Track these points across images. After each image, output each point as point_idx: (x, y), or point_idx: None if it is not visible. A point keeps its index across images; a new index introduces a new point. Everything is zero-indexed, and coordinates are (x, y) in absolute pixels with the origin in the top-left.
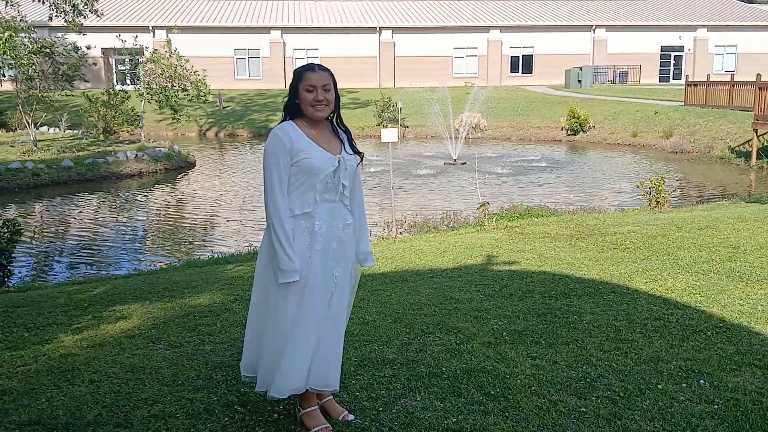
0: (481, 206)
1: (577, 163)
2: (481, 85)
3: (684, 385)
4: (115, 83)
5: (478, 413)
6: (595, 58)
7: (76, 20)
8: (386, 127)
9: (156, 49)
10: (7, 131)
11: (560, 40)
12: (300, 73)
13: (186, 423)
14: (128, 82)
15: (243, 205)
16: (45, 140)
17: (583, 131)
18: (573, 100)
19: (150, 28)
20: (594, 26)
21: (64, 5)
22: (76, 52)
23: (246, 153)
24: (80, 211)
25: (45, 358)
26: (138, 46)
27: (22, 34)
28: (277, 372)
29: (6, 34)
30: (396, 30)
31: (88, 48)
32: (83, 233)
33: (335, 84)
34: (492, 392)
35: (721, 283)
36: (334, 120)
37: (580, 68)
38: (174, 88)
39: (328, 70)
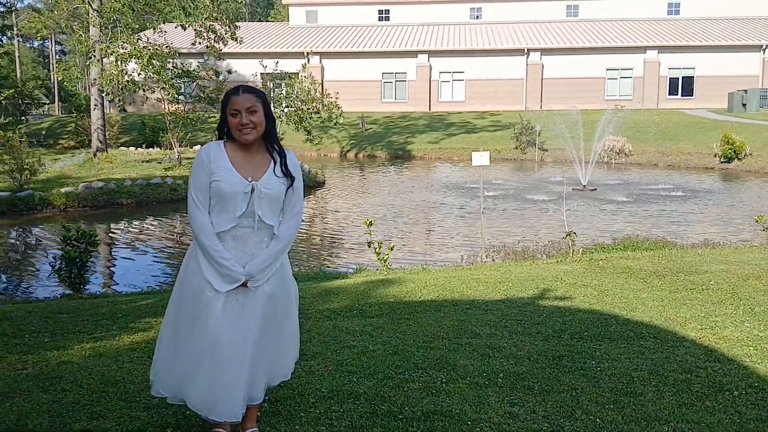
0: (566, 236)
1: (716, 192)
2: (635, 108)
3: None
4: (273, 108)
5: None
6: (764, 80)
7: (216, 46)
8: (524, 151)
9: (292, 75)
10: (161, 149)
11: (725, 61)
12: (227, 97)
13: None
14: (273, 106)
15: (352, 225)
16: (192, 158)
17: (738, 159)
18: (731, 124)
19: (305, 54)
20: (764, 46)
21: (204, 32)
22: (217, 77)
23: (378, 174)
24: None
25: (44, 364)
26: (280, 71)
27: (170, 60)
28: (170, 376)
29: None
30: (545, 51)
31: (230, 72)
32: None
33: (266, 105)
34: None
35: None
36: (268, 142)
37: (745, 91)
38: (308, 110)
39: (256, 92)
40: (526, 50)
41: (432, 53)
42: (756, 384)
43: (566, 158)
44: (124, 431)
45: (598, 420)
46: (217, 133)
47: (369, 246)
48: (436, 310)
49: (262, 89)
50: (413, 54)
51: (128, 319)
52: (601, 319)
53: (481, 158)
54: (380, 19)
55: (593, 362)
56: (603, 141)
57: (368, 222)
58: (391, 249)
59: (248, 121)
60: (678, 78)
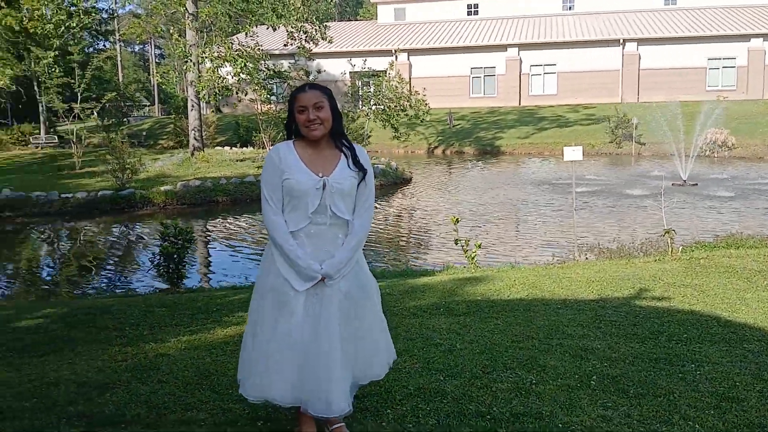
0: (665, 233)
1: None
2: (738, 99)
3: None
4: (361, 105)
5: None
6: None
7: (306, 46)
8: (619, 145)
9: (379, 73)
10: (254, 148)
11: None
12: (293, 95)
13: (204, 431)
14: (361, 104)
15: (437, 222)
16: None
17: None
18: None
19: (393, 51)
20: None
21: (295, 32)
22: (308, 76)
23: (465, 170)
24: None
25: (143, 356)
26: (368, 69)
27: (261, 62)
28: (252, 378)
29: (240, 60)
30: (642, 41)
31: (319, 72)
32: None
33: (332, 101)
34: None
35: None
36: (336, 138)
37: None
38: (395, 108)
39: (322, 88)
40: (621, 41)
41: (522, 46)
42: None
43: (665, 152)
44: (217, 423)
45: (696, 426)
46: (285, 132)
47: (456, 243)
48: (526, 310)
49: (350, 87)
50: (503, 48)
51: (222, 313)
52: (702, 321)
53: (573, 153)
54: (469, 13)
55: (692, 366)
56: (704, 134)
57: (455, 219)
58: (479, 246)
59: (315, 117)
60: None
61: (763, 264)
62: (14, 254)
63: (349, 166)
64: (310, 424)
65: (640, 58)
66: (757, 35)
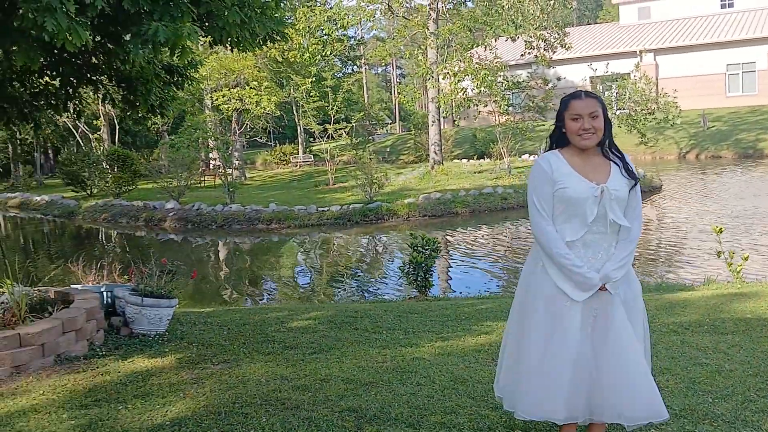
0: None
1: None
2: None
3: None
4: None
5: None
6: None
7: (545, 55)
8: None
9: (623, 76)
10: (491, 160)
11: None
12: (566, 102)
13: None
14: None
15: (693, 233)
16: (521, 167)
17: None
18: None
19: (637, 52)
20: None
21: (534, 42)
22: (546, 85)
23: (723, 176)
24: None
25: (400, 358)
26: (611, 73)
27: (500, 73)
28: (526, 396)
29: (482, 73)
30: None
31: (558, 80)
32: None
33: (605, 110)
34: None
35: None
36: (605, 146)
37: None
38: (642, 111)
39: (596, 96)
40: None
41: None
42: None
43: None
44: (475, 428)
45: None
46: (548, 140)
47: (719, 256)
48: None
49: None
50: (763, 40)
51: (471, 321)
52: None
53: None
54: (723, 6)
55: None
56: None
57: (718, 229)
58: (746, 259)
59: (590, 126)
60: None
61: None
62: (281, 262)
63: (622, 174)
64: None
65: None
66: None
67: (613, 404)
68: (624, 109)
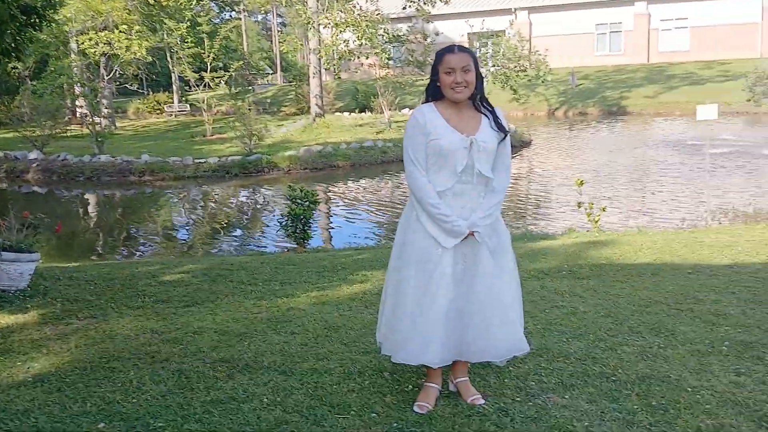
0: None
1: None
2: None
3: None
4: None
5: (620, 422)
6: None
7: (424, 8)
8: (758, 103)
9: (498, 34)
10: (372, 113)
11: None
12: (440, 56)
13: (335, 380)
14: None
15: (558, 186)
16: (401, 121)
17: None
18: None
19: (512, 10)
20: None
21: None
22: (425, 40)
23: (589, 132)
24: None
25: (275, 309)
26: (487, 30)
27: (381, 26)
28: (404, 344)
29: (364, 24)
30: None
31: (437, 35)
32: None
33: (477, 65)
34: (654, 403)
35: None
36: (477, 100)
37: None
38: (515, 69)
39: (469, 51)
40: None
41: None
42: None
43: None
44: (346, 372)
45: None
46: (425, 93)
47: (579, 207)
48: (654, 274)
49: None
50: (629, 2)
51: (347, 271)
52: None
53: (707, 111)
54: None
55: None
56: None
57: (579, 182)
58: (603, 210)
59: (462, 80)
60: None
61: None
62: (155, 215)
63: (491, 127)
64: (437, 377)
65: None
66: None
67: (480, 343)
68: (498, 66)
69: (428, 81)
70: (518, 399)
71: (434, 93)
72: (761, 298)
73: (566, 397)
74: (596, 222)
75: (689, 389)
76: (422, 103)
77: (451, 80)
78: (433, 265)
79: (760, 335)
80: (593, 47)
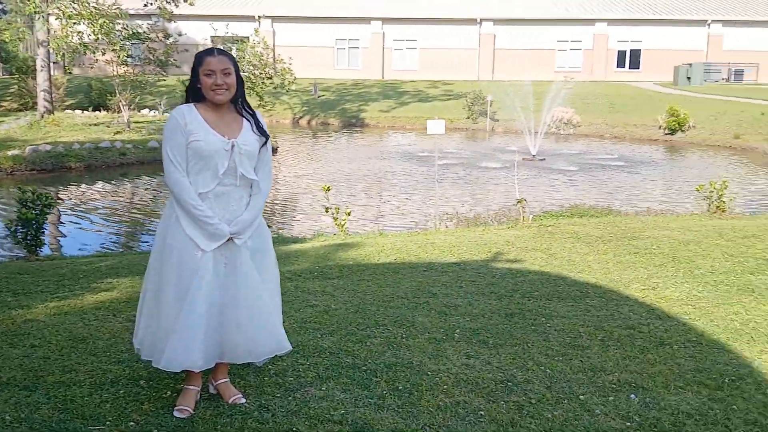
0: (517, 203)
1: (660, 163)
2: (584, 80)
3: (611, 398)
4: None
5: (372, 407)
6: (709, 55)
7: (166, 8)
8: (475, 120)
9: (243, 39)
10: (108, 112)
11: (671, 35)
12: (200, 57)
13: (84, 391)
14: None
15: (306, 192)
16: (141, 122)
17: (682, 131)
18: (676, 97)
19: (256, 17)
20: (709, 21)
21: None
22: (167, 39)
23: (331, 141)
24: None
25: (9, 322)
26: (232, 35)
27: (119, 21)
28: (166, 350)
29: (100, 20)
30: (497, 21)
31: (180, 35)
32: (137, 214)
33: (237, 68)
34: (400, 387)
35: (725, 296)
36: (239, 104)
37: (690, 65)
38: (260, 76)
39: (229, 55)
40: (478, 20)
41: (385, 20)
42: (693, 339)
43: (516, 128)
44: (97, 383)
45: (548, 370)
46: (185, 94)
47: (327, 211)
48: (394, 272)
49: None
50: (366, 20)
51: (89, 279)
52: (551, 280)
53: (436, 127)
54: None
55: (543, 319)
56: (552, 112)
57: (326, 188)
58: (348, 214)
59: (223, 82)
60: (626, 51)
61: (603, 231)
62: None
63: (253, 130)
64: (196, 379)
65: (495, 37)
66: (602, 20)
67: (243, 344)
68: (244, 71)
69: (188, 82)
70: (278, 395)
71: (195, 94)
72: (484, 290)
73: (323, 389)
74: (342, 226)
75: (429, 373)
76: (181, 104)
77: (212, 82)
78: (194, 267)
79: (484, 322)
80: (334, 61)
